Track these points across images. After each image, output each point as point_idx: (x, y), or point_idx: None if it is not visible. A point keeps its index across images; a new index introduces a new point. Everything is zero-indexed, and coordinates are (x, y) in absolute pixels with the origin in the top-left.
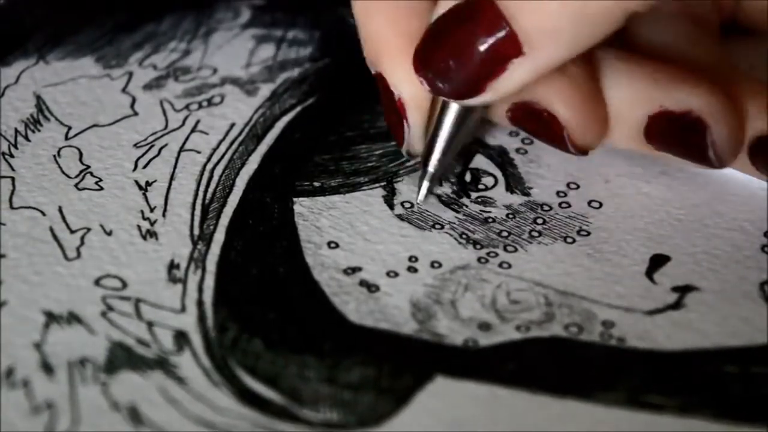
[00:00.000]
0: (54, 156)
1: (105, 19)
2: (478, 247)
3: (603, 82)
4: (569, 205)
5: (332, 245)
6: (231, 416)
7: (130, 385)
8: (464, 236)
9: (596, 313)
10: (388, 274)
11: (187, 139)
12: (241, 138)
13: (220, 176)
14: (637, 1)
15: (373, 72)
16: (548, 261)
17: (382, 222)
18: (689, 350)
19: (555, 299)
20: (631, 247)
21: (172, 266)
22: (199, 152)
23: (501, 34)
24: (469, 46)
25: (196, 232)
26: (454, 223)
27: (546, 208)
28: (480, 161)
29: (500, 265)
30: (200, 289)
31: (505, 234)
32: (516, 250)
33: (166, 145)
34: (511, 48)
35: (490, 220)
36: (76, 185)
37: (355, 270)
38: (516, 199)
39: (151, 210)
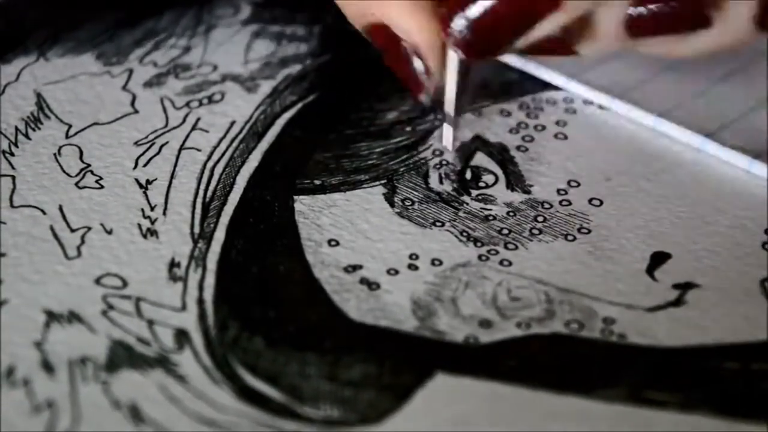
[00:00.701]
0: (54, 154)
1: (105, 16)
2: (479, 244)
3: None
4: (570, 203)
5: (333, 243)
6: (232, 414)
7: (130, 384)
8: (465, 234)
9: (597, 309)
10: (388, 271)
11: (187, 136)
12: (241, 136)
13: (221, 174)
14: None
15: (362, 25)
16: (549, 258)
17: (383, 220)
18: (690, 347)
19: (556, 296)
20: (631, 244)
21: (173, 265)
22: (199, 150)
23: None
24: (505, 11)
25: (197, 230)
26: (455, 221)
27: (547, 205)
28: (481, 159)
29: (501, 263)
30: (201, 288)
31: (505, 231)
32: (517, 247)
33: (166, 143)
34: (549, 4)
35: (491, 217)
36: (76, 184)
37: (355, 268)
38: (517, 197)
39: (152, 208)
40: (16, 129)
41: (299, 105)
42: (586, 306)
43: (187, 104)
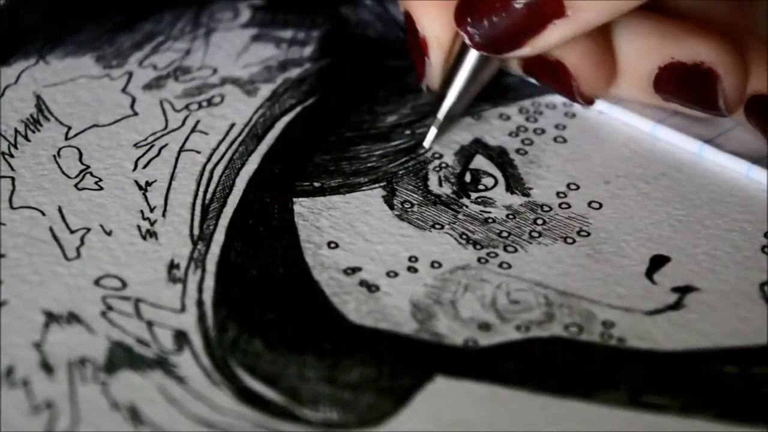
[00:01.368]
0: (54, 156)
1: (105, 19)
2: (478, 247)
3: (614, 34)
4: (569, 206)
5: (332, 245)
6: (231, 416)
7: (130, 385)
8: (464, 236)
9: (596, 313)
10: (388, 274)
11: (187, 139)
12: (241, 138)
13: (220, 176)
14: None
15: (402, 10)
16: (548, 261)
17: (382, 222)
18: (689, 350)
19: (555, 299)
20: (631, 247)
21: (172, 266)
22: (199, 152)
23: None
24: (513, 4)
25: (196, 232)
26: (454, 224)
27: (546, 208)
28: (480, 162)
29: (500, 266)
30: (200, 289)
31: (505, 234)
32: (516, 250)
33: (166, 145)
34: (555, 9)
35: (490, 220)
36: (75, 185)
37: (355, 270)
38: (516, 200)
39: (151, 210)
40: (16, 131)
41: (298, 108)
42: (585, 309)
43: (187, 107)
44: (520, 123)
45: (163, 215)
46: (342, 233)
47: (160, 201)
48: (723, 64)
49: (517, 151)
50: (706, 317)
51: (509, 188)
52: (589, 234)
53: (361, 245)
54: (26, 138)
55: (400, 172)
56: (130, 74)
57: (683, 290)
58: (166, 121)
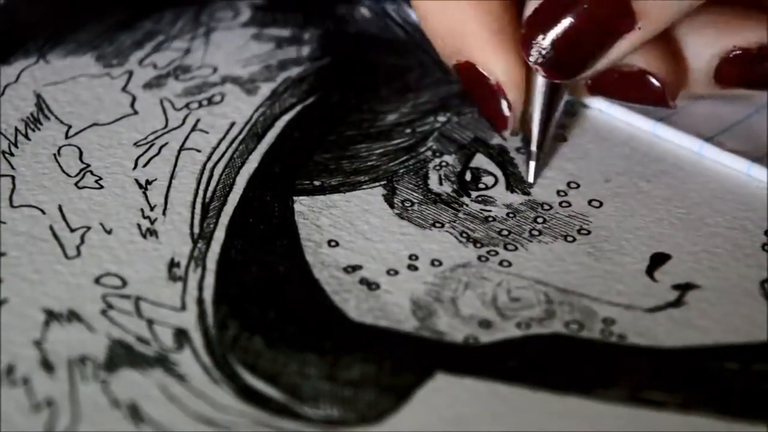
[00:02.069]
0: (54, 155)
1: (105, 18)
2: (479, 245)
3: (673, 34)
4: (569, 204)
5: (332, 244)
6: (231, 414)
7: (130, 383)
8: (465, 235)
9: (597, 310)
10: (388, 272)
11: (187, 137)
12: (241, 137)
13: (221, 175)
14: None
15: (451, 64)
16: (548, 259)
17: (383, 220)
18: (690, 347)
19: (555, 297)
20: (631, 245)
21: (173, 264)
22: (199, 151)
23: (618, 11)
24: (584, 27)
25: (197, 230)
26: (455, 222)
27: (546, 207)
28: (480, 160)
29: (500, 264)
30: (200, 288)
31: (505, 233)
32: (516, 248)
33: (166, 143)
34: (626, 24)
35: (491, 218)
36: (76, 184)
37: (355, 268)
38: (516, 198)
39: (152, 208)
40: (16, 129)
41: (299, 107)
42: (585, 307)
43: (187, 105)
44: None
45: (164, 214)
46: (342, 231)
47: (160, 199)
48: None
49: (518, 149)
50: (707, 314)
51: (509, 187)
52: (589, 232)
53: (361, 243)
54: (26, 137)
55: (401, 171)
56: (131, 73)
57: (684, 287)
58: (167, 119)
